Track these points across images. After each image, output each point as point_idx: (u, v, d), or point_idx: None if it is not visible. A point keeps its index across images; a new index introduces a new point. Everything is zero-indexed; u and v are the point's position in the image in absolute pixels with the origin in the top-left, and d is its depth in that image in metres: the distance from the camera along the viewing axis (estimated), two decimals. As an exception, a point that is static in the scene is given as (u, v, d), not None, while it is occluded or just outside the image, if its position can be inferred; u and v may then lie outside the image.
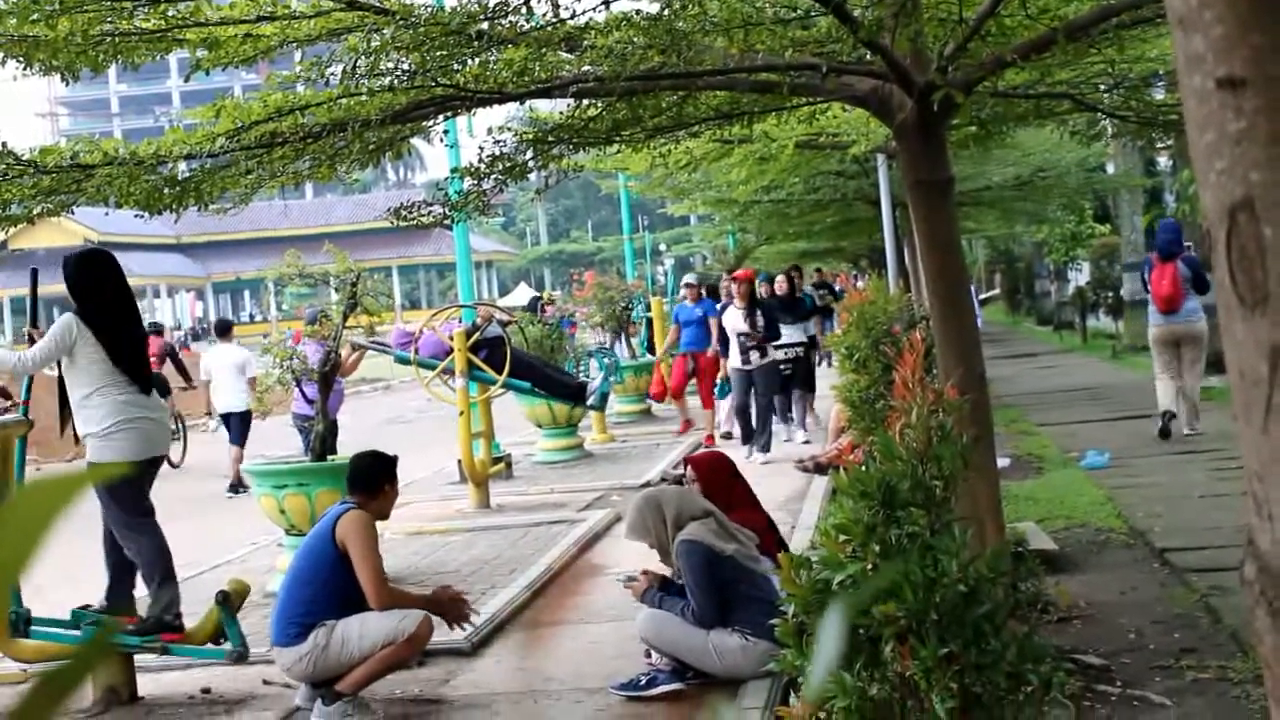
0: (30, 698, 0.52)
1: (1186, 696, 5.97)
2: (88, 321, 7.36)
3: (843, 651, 2.98)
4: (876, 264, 27.32)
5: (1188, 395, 13.99)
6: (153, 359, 9.57)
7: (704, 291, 17.79)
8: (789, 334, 16.34)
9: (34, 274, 7.71)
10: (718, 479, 7.51)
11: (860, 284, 28.88)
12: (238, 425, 16.17)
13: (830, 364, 23.83)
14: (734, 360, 15.47)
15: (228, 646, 7.17)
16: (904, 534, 3.36)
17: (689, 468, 7.72)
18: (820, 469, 12.56)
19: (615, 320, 21.23)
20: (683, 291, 18.73)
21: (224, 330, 17.45)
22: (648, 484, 13.79)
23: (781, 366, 16.05)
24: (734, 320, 15.45)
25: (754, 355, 15.20)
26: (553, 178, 8.61)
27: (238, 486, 15.67)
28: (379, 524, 6.97)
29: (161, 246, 78.06)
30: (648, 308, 22.75)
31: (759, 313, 15.29)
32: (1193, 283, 13.87)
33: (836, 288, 27.77)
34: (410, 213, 8.01)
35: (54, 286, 8.52)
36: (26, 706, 0.52)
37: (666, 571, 7.04)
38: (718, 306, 16.90)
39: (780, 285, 17.20)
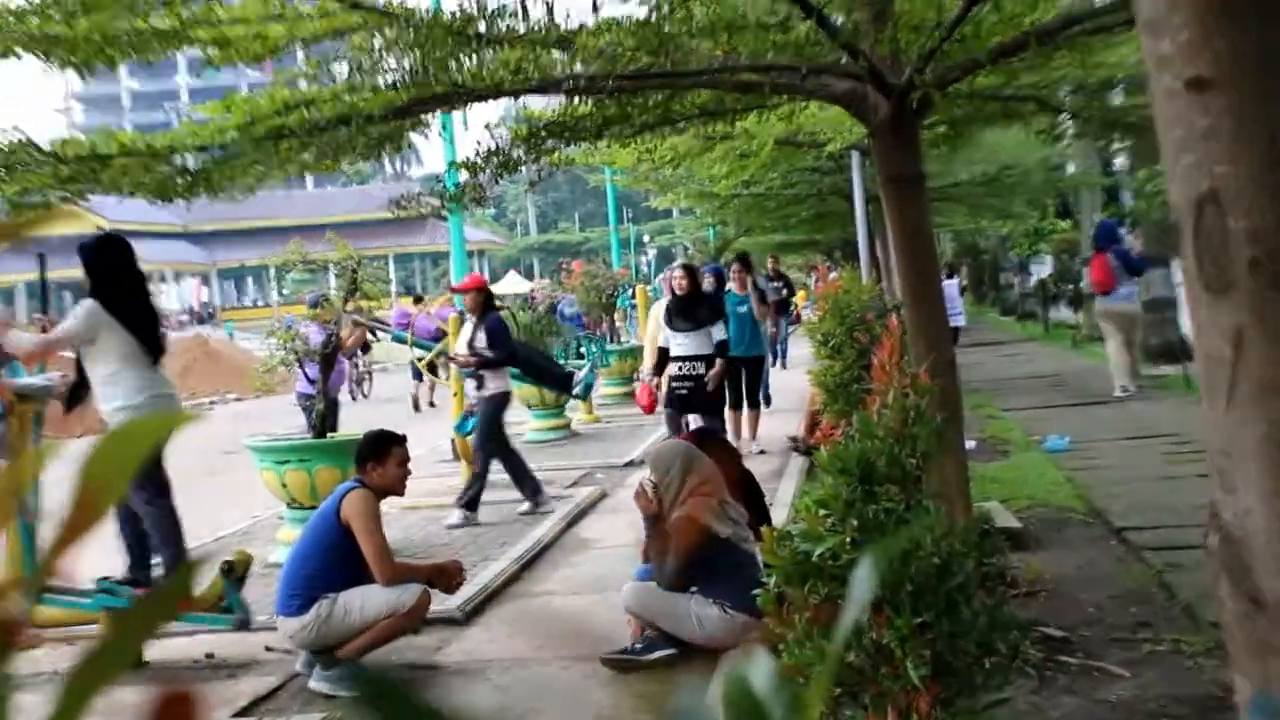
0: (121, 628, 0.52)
1: (1142, 668, 5.99)
2: (108, 303, 7.38)
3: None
4: (849, 256, 27.30)
5: (1124, 359, 16.00)
6: None
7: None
8: (685, 345, 12.11)
9: (41, 259, 7.64)
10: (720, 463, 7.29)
11: (834, 275, 28.74)
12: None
13: (784, 365, 23.69)
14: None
15: (232, 615, 7.17)
16: (881, 510, 3.37)
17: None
18: (807, 450, 12.23)
19: (601, 307, 21.32)
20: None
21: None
22: (630, 463, 13.82)
23: (674, 385, 12.15)
24: (460, 340, 11.66)
25: (470, 385, 11.39)
26: (544, 171, 8.62)
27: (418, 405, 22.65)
28: (391, 499, 6.98)
29: (169, 234, 77.77)
30: (633, 295, 22.76)
31: (483, 331, 11.24)
32: (1125, 269, 15.74)
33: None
34: (409, 203, 8.03)
35: (62, 272, 8.51)
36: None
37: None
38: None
39: (678, 283, 12.36)
